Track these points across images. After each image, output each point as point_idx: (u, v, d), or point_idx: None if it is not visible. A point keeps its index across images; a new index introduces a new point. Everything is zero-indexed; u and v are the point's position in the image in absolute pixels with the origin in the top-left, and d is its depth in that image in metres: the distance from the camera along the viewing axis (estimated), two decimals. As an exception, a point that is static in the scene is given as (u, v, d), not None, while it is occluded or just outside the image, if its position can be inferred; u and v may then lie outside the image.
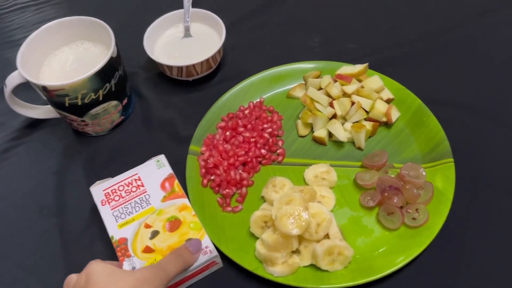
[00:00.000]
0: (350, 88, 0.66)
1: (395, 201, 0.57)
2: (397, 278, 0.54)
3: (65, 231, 0.62)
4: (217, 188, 0.62)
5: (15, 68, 0.63)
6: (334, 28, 0.83)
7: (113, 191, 0.58)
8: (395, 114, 0.66)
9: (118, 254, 0.53)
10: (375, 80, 0.67)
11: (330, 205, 0.59)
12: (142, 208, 0.56)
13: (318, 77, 0.71)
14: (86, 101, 0.62)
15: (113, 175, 0.66)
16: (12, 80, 0.62)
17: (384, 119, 0.65)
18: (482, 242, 0.56)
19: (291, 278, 0.53)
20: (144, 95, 0.76)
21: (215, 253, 0.53)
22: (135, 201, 0.57)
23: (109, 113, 0.67)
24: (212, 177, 0.63)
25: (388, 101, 0.67)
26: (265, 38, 0.83)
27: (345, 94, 0.66)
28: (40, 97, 0.68)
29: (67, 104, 0.62)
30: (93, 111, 0.65)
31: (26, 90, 0.66)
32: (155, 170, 0.60)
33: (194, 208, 0.59)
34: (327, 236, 0.55)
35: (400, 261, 0.53)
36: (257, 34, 0.84)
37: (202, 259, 0.52)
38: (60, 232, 0.62)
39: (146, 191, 0.58)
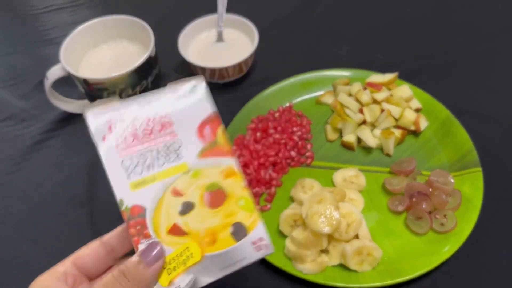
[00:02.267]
0: (380, 95, 0.67)
1: (423, 206, 0.58)
2: (424, 282, 0.54)
3: (95, 221, 0.63)
4: (246, 187, 0.63)
5: (50, 64, 0.65)
6: (362, 39, 0.85)
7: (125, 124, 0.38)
8: (423, 123, 0.67)
9: (131, 231, 0.37)
10: (404, 89, 0.69)
11: (359, 208, 0.60)
12: (170, 162, 0.38)
13: (347, 84, 0.73)
14: (123, 96, 0.65)
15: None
16: (54, 73, 0.64)
17: (413, 128, 0.66)
18: (508, 250, 0.57)
19: (320, 276, 0.53)
20: (175, 95, 0.77)
21: (271, 248, 0.39)
22: (157, 148, 0.38)
23: (143, 109, 0.69)
24: (242, 176, 0.64)
25: (417, 111, 0.68)
26: (294, 46, 0.85)
27: (375, 101, 0.68)
28: (73, 93, 0.70)
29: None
30: (129, 106, 0.67)
31: (61, 85, 0.68)
32: (189, 102, 0.39)
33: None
34: (356, 236, 0.56)
35: (428, 265, 0.53)
36: (286, 41, 0.86)
37: (254, 256, 0.39)
38: (90, 222, 0.63)
39: (176, 135, 0.38)
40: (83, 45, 0.69)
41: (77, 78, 0.63)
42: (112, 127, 0.38)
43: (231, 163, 0.39)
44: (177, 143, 0.38)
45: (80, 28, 0.68)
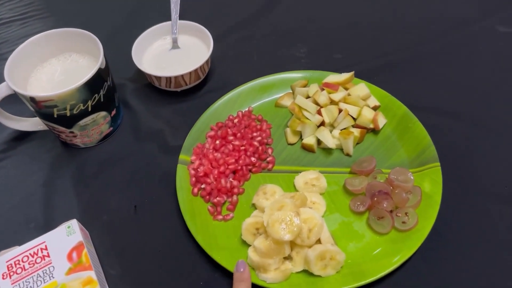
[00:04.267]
0: (337, 95, 0.67)
1: (384, 205, 0.58)
2: (389, 282, 0.55)
3: (54, 244, 0.61)
4: (207, 197, 0.62)
5: (1, 81, 0.62)
6: (319, 39, 0.85)
7: (16, 262, 0.53)
8: (381, 121, 0.67)
9: None
10: (361, 88, 0.69)
11: (321, 211, 0.60)
12: (44, 283, 0.51)
13: (305, 86, 0.72)
14: (75, 112, 0.62)
15: (102, 186, 0.66)
16: (0, 92, 0.61)
17: (371, 126, 0.66)
18: (470, 244, 0.57)
19: (284, 284, 0.53)
20: (132, 106, 0.76)
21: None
22: (37, 274, 0.52)
23: (98, 124, 0.67)
24: (203, 186, 0.63)
25: (375, 108, 0.68)
26: (252, 50, 0.84)
27: (332, 102, 0.67)
28: (26, 110, 0.67)
29: (55, 116, 0.62)
30: (82, 122, 0.65)
31: (12, 103, 0.65)
32: (64, 237, 0.55)
33: (185, 217, 0.59)
34: (319, 241, 0.55)
35: (391, 264, 0.53)
36: (244, 46, 0.85)
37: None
38: (48, 245, 0.61)
39: (50, 263, 0.53)
40: (30, 61, 0.66)
41: (24, 97, 0.60)
42: (9, 267, 0.53)
43: (89, 274, 0.52)
44: (51, 267, 0.53)
45: (24, 44, 0.65)
